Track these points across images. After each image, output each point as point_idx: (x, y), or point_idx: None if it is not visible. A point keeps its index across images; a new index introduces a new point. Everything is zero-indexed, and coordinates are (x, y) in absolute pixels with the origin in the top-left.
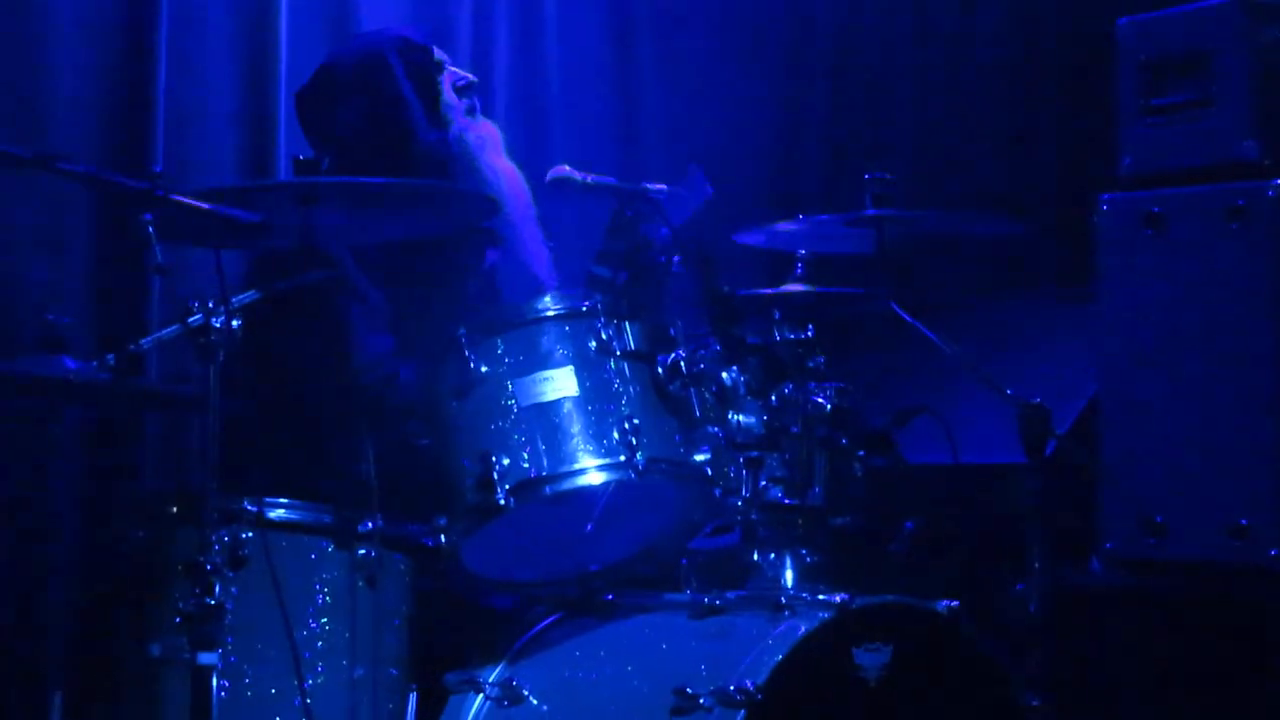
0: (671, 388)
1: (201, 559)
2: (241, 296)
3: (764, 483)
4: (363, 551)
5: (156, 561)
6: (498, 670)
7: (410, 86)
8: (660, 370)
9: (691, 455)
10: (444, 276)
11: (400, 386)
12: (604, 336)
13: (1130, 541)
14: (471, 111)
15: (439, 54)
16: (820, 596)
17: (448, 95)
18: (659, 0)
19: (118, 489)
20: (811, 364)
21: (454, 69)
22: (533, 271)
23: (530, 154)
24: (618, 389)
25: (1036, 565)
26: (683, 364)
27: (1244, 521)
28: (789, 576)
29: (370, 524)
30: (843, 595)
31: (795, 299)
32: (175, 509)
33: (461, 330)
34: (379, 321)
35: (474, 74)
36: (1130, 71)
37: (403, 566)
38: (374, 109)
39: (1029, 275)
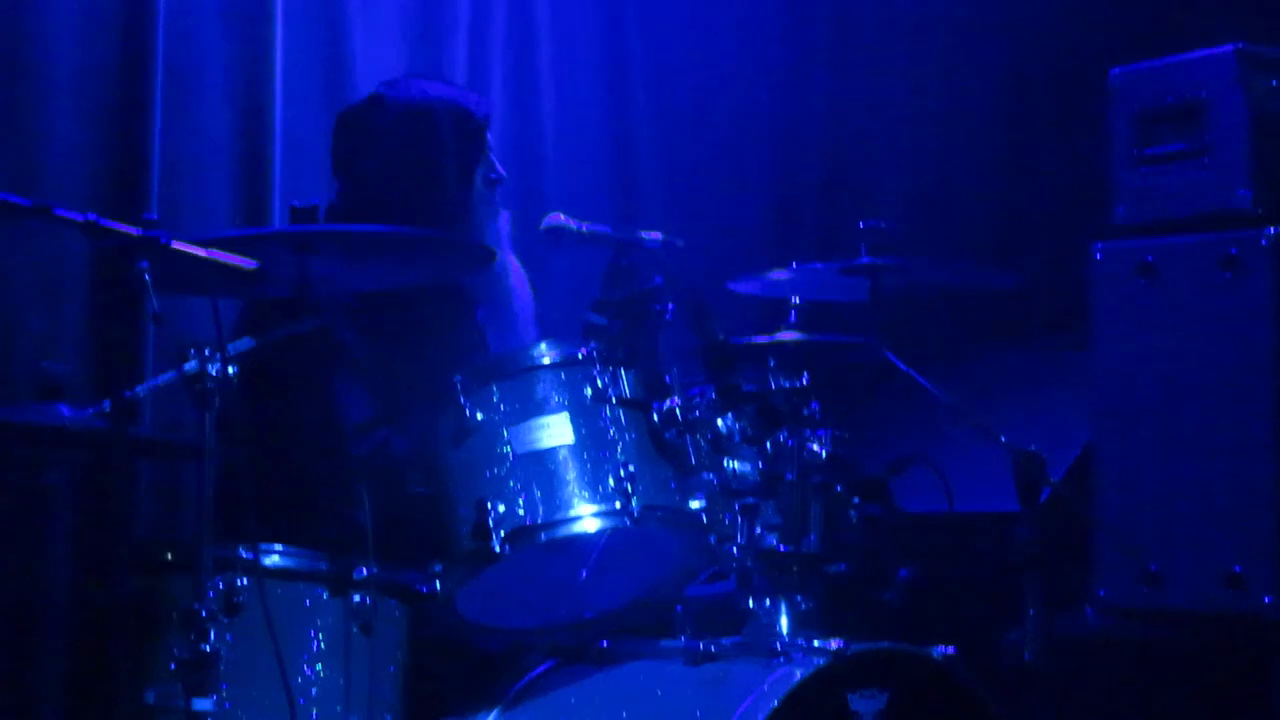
0: (667, 435)
1: (196, 606)
2: (237, 344)
3: (759, 530)
4: (358, 598)
5: (151, 608)
6: (492, 717)
7: (449, 163)
8: (656, 417)
9: (687, 502)
10: (431, 338)
11: (392, 454)
12: (599, 384)
13: (1124, 590)
14: (491, 205)
15: (490, 138)
16: (816, 643)
17: (479, 184)
18: (654, 47)
19: (113, 536)
20: (806, 411)
21: (492, 157)
22: None
23: (524, 200)
24: (613, 436)
25: (1031, 613)
26: (678, 411)
27: (1238, 570)
28: (784, 623)
29: (365, 571)
30: (838, 642)
31: (790, 347)
32: (170, 556)
33: (457, 378)
34: (360, 389)
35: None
36: (1124, 121)
37: (398, 613)
38: (403, 164)
39: (1023, 323)
